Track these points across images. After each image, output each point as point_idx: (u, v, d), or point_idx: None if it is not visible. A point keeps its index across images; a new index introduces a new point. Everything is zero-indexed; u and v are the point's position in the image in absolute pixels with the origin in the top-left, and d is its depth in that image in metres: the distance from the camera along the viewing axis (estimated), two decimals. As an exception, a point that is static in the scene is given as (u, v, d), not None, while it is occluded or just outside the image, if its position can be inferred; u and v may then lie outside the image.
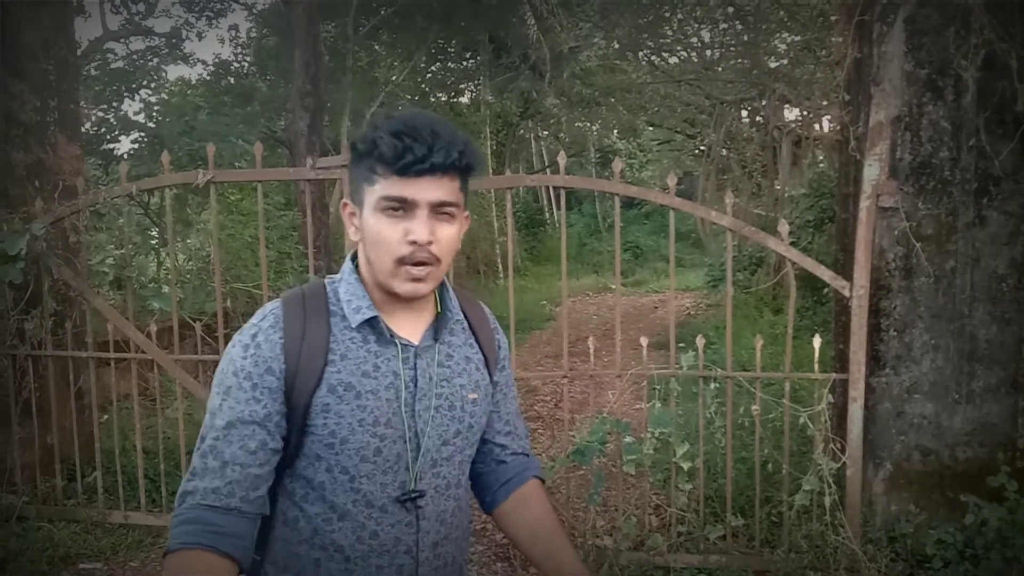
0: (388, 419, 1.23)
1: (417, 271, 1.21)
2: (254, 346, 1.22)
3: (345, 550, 1.23)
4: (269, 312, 1.27)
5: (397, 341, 1.27)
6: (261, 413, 1.19)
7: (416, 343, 1.29)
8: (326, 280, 1.32)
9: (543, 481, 1.47)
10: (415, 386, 1.27)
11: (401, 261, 1.20)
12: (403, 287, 1.22)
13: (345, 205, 1.29)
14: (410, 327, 1.30)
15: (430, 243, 1.20)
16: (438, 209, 1.20)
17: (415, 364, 1.28)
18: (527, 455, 1.47)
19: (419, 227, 1.19)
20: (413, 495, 1.26)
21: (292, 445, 1.23)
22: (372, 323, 1.26)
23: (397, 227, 1.20)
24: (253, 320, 1.27)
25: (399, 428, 1.24)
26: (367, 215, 1.22)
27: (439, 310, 1.33)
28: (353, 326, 1.25)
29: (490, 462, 1.44)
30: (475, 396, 1.33)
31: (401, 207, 1.19)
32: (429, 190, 1.19)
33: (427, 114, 1.22)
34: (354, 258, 1.31)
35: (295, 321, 1.24)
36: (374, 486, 1.24)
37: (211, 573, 1.12)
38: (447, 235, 1.22)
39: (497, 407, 1.42)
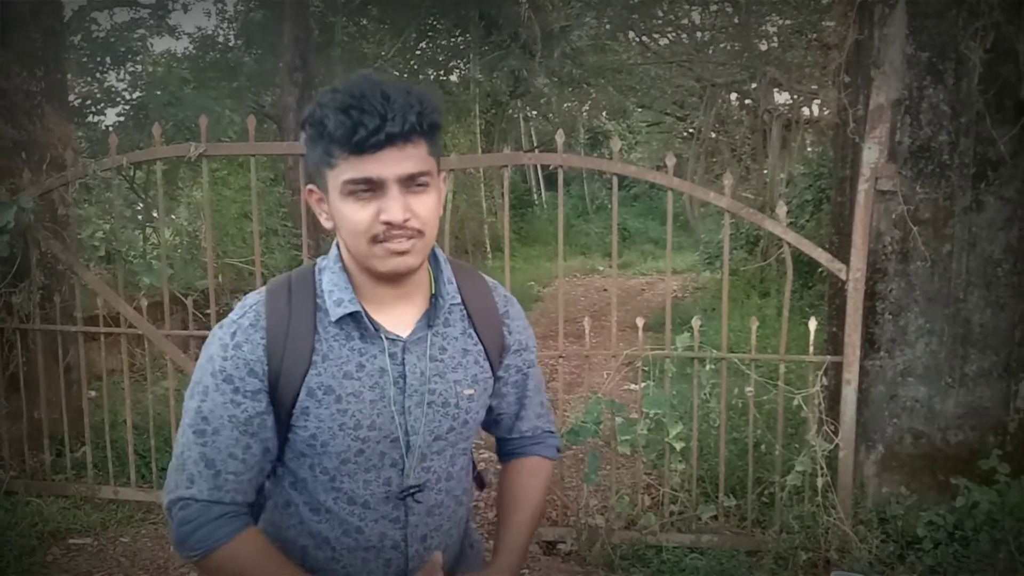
0: (372, 421, 1.17)
1: (398, 245, 1.10)
2: (234, 346, 1.14)
3: (331, 542, 1.21)
4: (250, 308, 1.17)
5: (383, 335, 1.18)
6: (242, 417, 1.14)
7: (405, 336, 1.19)
8: (316, 263, 1.23)
9: (551, 460, 1.41)
10: (404, 382, 1.19)
11: (375, 239, 1.10)
12: (386, 264, 1.12)
13: (311, 192, 1.18)
14: (400, 317, 1.20)
15: (407, 220, 1.09)
16: (410, 182, 1.09)
17: (403, 359, 1.19)
18: (550, 432, 1.42)
19: (392, 205, 1.08)
20: (412, 491, 1.21)
21: (279, 441, 1.19)
22: (355, 317, 1.17)
23: (368, 209, 1.09)
24: (233, 315, 1.18)
25: (385, 428, 1.18)
26: (334, 200, 1.12)
27: (433, 293, 1.23)
28: (333, 319, 1.16)
29: (505, 433, 1.41)
30: (471, 392, 1.24)
31: (368, 188, 1.08)
32: (394, 163, 1.07)
33: (374, 78, 1.09)
34: None
35: (279, 318, 1.15)
36: (356, 484, 1.19)
37: (261, 547, 1.16)
38: (425, 208, 1.11)
39: (508, 393, 1.35)
